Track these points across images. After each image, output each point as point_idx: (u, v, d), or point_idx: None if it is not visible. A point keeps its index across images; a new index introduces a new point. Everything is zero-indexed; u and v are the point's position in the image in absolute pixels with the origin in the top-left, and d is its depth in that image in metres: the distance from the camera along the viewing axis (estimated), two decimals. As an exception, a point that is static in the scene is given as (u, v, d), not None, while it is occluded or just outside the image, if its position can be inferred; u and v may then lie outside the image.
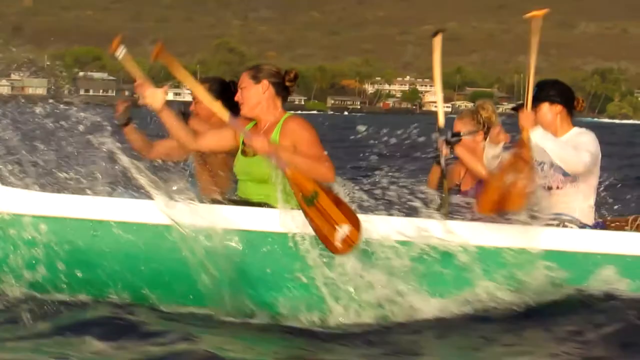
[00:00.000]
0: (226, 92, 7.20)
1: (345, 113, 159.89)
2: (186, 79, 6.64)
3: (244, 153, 6.72)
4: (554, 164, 6.85)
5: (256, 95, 6.69)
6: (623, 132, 68.33)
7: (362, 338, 6.15)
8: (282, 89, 6.79)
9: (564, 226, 6.79)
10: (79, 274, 6.42)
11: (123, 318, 6.13)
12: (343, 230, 6.17)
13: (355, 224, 6.22)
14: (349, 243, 6.22)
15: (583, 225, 6.82)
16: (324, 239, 6.25)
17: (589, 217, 6.91)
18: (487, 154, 6.94)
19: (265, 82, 6.71)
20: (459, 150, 7.52)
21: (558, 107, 6.96)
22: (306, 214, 6.27)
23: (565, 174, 6.87)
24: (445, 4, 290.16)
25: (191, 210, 6.33)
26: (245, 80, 6.73)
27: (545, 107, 6.95)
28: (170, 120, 6.65)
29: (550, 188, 6.92)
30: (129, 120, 7.47)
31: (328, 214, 6.19)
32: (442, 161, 7.66)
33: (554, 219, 6.82)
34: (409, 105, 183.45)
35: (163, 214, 6.34)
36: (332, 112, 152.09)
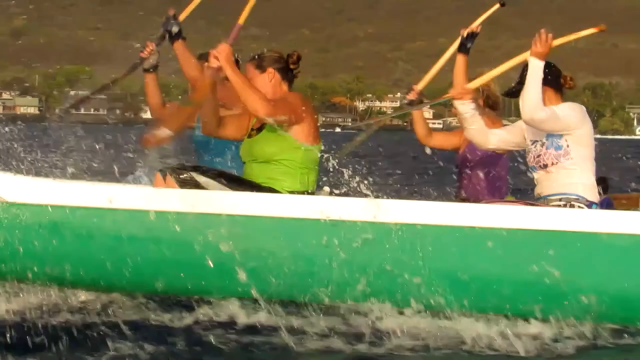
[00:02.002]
0: None
1: (337, 130, 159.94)
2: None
3: (249, 136, 6.84)
4: (546, 142, 6.87)
5: (264, 85, 6.75)
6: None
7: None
8: (287, 73, 6.89)
9: (571, 206, 6.73)
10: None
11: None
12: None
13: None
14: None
15: (590, 204, 6.76)
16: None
17: (594, 194, 6.84)
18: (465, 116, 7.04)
19: (270, 70, 6.82)
20: (460, 57, 7.84)
21: (543, 87, 6.95)
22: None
23: (557, 148, 6.85)
24: (436, 21, 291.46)
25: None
26: (250, 71, 6.81)
27: None
28: (215, 99, 6.78)
29: (545, 166, 6.90)
30: (155, 67, 7.54)
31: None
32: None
33: (559, 199, 6.79)
34: (401, 122, 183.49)
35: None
36: (323, 130, 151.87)
